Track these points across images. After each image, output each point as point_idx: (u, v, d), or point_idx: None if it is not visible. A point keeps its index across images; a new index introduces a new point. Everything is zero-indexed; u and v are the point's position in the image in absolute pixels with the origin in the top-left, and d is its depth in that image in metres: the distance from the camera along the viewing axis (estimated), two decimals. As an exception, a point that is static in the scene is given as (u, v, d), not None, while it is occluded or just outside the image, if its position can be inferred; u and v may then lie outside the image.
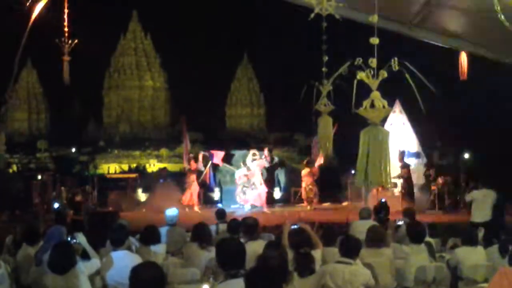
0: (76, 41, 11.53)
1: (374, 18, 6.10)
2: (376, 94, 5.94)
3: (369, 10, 6.64)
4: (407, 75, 6.00)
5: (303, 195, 19.21)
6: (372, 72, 5.91)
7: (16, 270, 7.23)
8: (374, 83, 5.94)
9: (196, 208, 17.89)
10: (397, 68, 5.87)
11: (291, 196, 21.11)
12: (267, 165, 18.58)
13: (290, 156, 34.16)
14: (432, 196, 17.54)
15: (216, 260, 4.67)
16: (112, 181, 24.83)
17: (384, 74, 5.90)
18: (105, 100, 43.52)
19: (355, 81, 6.14)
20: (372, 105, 5.87)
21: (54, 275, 5.60)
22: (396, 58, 5.88)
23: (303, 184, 19.22)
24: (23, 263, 7.25)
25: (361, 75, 5.89)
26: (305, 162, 19.90)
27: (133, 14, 44.06)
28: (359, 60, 6.02)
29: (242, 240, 7.19)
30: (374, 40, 5.95)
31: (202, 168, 18.71)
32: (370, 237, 6.86)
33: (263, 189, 17.77)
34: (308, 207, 18.40)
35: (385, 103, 5.95)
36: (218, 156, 19.33)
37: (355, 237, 6.34)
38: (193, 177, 18.15)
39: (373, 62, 5.85)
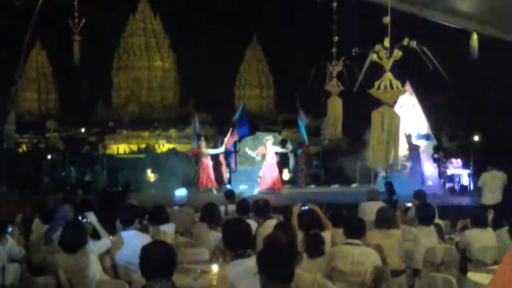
0: (84, 20, 11.46)
1: None
2: (389, 75, 5.77)
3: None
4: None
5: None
6: (386, 52, 5.75)
7: (26, 248, 7.27)
8: (387, 64, 5.76)
9: (214, 190, 17.77)
10: (414, 46, 5.70)
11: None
12: (278, 150, 18.38)
13: (298, 137, 34.11)
14: (442, 178, 17.51)
15: (223, 241, 4.69)
16: (122, 161, 24.92)
17: (399, 54, 5.73)
18: (114, 80, 43.55)
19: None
20: (385, 86, 5.73)
21: (64, 253, 5.64)
22: (408, 39, 5.74)
23: (298, 166, 19.38)
24: (36, 241, 7.30)
25: (373, 56, 5.73)
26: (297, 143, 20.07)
27: (142, -5, 43.95)
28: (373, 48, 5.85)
29: (253, 220, 7.24)
30: (387, 19, 5.78)
31: (211, 152, 18.57)
32: (379, 218, 6.83)
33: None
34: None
35: (399, 84, 5.79)
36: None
37: (359, 218, 6.34)
38: (206, 159, 18.05)
39: (386, 41, 5.69)
